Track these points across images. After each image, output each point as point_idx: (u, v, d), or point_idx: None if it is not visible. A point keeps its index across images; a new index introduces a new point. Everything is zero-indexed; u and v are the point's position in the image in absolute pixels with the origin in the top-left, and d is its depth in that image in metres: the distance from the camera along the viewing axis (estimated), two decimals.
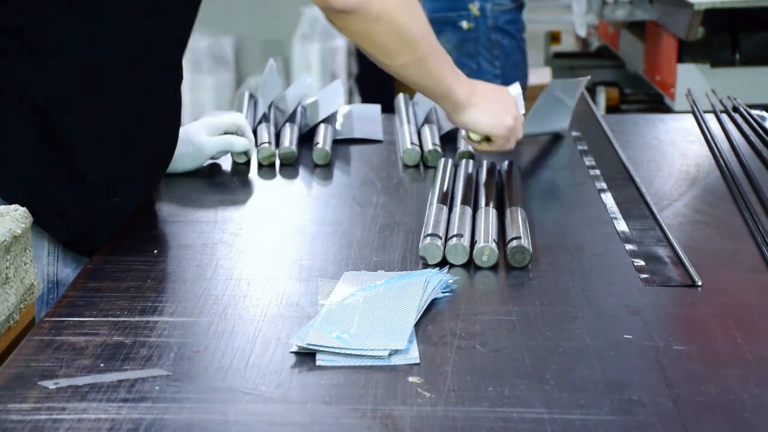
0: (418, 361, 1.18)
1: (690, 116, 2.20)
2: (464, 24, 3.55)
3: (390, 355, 1.18)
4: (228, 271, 1.43)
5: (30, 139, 1.46)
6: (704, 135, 2.05)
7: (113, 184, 1.53)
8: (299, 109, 2.10)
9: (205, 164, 1.86)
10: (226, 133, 1.87)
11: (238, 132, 1.88)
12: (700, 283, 1.37)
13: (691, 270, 1.40)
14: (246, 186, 1.82)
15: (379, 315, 1.27)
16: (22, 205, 1.36)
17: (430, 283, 1.34)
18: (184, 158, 1.81)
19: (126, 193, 1.56)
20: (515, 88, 1.97)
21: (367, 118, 2.18)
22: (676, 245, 1.49)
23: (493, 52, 3.51)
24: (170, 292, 1.37)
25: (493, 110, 1.74)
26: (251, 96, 2.17)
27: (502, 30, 3.54)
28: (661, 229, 1.56)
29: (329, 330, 1.22)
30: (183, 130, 1.77)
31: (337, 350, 1.19)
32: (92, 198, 1.52)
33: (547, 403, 1.09)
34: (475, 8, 3.52)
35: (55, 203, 1.48)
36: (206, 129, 1.85)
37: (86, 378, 1.14)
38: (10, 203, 1.38)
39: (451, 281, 1.37)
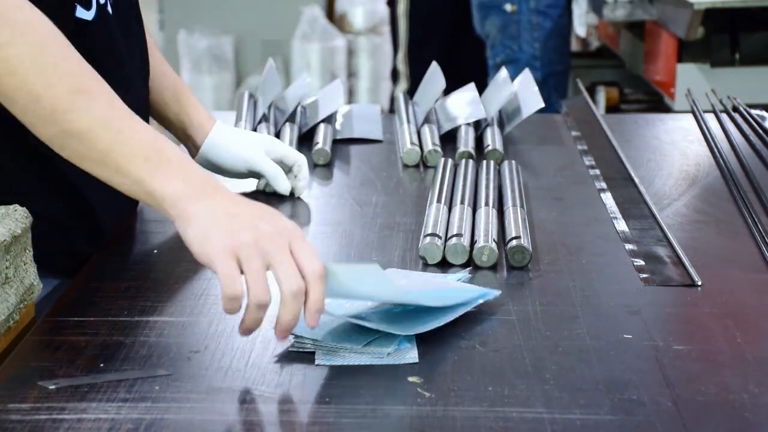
0: (417, 360, 1.18)
1: (690, 116, 2.20)
2: (508, 7, 3.79)
3: (389, 354, 1.18)
4: None
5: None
6: (704, 135, 2.05)
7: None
8: (299, 109, 2.10)
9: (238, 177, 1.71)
10: (282, 162, 1.68)
11: (293, 169, 1.68)
12: (700, 283, 1.37)
13: (691, 270, 1.40)
14: (246, 186, 1.82)
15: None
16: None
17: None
18: (227, 161, 1.64)
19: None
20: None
21: (367, 117, 2.18)
22: (676, 245, 1.49)
23: (533, 34, 3.75)
24: (170, 292, 1.37)
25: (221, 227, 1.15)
26: (251, 96, 2.17)
27: (543, 13, 3.76)
28: (661, 229, 1.56)
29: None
30: (240, 135, 1.67)
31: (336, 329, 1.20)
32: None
33: (547, 403, 1.09)
34: None
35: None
36: (265, 146, 1.66)
37: (86, 378, 1.14)
38: None
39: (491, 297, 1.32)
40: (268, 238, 1.14)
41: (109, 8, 1.44)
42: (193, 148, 1.67)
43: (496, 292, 1.32)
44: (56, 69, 1.19)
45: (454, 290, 1.33)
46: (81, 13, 1.37)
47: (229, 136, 1.65)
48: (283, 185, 1.65)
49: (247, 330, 1.15)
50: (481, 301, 1.31)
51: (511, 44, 3.81)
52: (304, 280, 1.12)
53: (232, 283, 1.12)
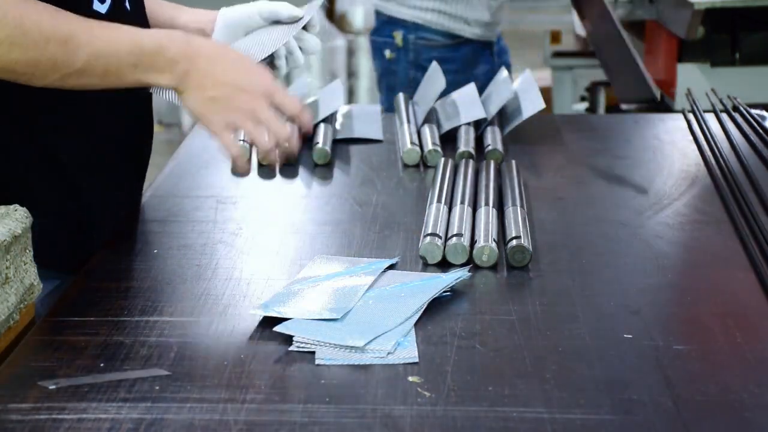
0: (417, 360, 1.18)
1: (690, 116, 2.20)
2: (387, 53, 3.13)
3: (389, 354, 1.19)
4: (228, 271, 1.43)
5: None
6: (704, 135, 2.05)
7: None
8: None
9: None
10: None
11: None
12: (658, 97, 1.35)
13: (652, 85, 1.37)
14: (246, 186, 1.82)
15: (375, 311, 1.28)
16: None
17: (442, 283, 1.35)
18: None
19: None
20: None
21: (367, 117, 2.18)
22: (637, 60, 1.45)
23: (408, 91, 2.42)
24: (170, 292, 1.37)
25: (216, 90, 1.43)
26: None
27: (423, 68, 2.68)
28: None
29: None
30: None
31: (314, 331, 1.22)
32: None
33: (547, 402, 1.09)
34: (398, 37, 3.08)
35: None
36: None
37: (86, 378, 1.14)
38: None
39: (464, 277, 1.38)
40: (251, 102, 1.44)
41: (127, 4, 1.54)
42: (209, 31, 1.74)
43: (466, 273, 1.38)
44: (41, 32, 1.33)
45: (423, 281, 1.36)
46: (97, 6, 1.47)
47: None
48: (293, 10, 1.73)
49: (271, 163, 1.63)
50: (453, 282, 1.35)
51: (388, 97, 3.05)
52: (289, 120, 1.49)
53: (231, 147, 1.46)
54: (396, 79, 3.10)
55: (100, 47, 1.37)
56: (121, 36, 1.39)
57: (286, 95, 1.47)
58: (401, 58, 3.09)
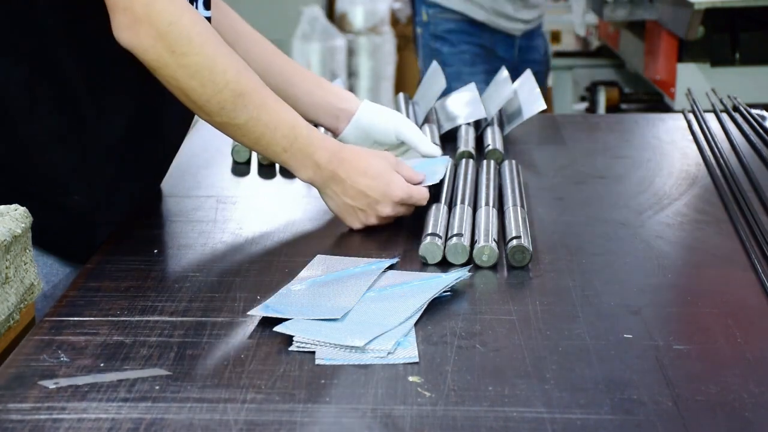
0: (417, 360, 1.18)
1: (690, 116, 2.20)
2: (418, 29, 3.58)
3: (389, 354, 1.19)
4: (228, 272, 1.43)
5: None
6: (704, 134, 2.05)
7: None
8: None
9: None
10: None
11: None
12: None
13: None
14: (246, 186, 1.82)
15: (376, 310, 1.28)
16: None
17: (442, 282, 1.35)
18: (379, 126, 1.78)
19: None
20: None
21: None
22: None
23: (431, 60, 3.10)
24: (170, 292, 1.37)
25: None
26: None
27: (441, 38, 3.48)
28: None
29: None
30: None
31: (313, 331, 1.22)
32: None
33: (547, 402, 1.09)
34: (425, 14, 3.50)
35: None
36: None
37: (86, 378, 1.14)
38: None
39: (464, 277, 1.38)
40: (385, 210, 1.55)
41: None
42: (344, 120, 1.78)
43: (466, 273, 1.38)
44: (225, 76, 1.47)
45: (423, 281, 1.36)
46: None
47: (378, 107, 1.80)
48: (430, 147, 1.76)
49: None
50: (453, 282, 1.35)
51: (422, 68, 3.59)
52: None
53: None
54: (423, 50, 3.54)
55: (264, 117, 1.50)
56: (285, 117, 1.52)
57: (417, 196, 1.57)
58: (425, 32, 3.51)
